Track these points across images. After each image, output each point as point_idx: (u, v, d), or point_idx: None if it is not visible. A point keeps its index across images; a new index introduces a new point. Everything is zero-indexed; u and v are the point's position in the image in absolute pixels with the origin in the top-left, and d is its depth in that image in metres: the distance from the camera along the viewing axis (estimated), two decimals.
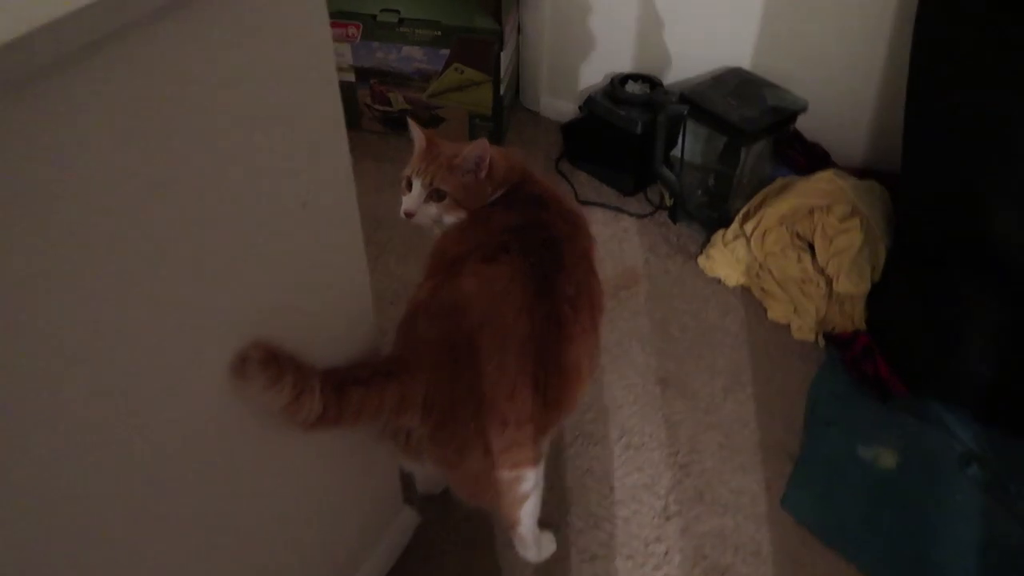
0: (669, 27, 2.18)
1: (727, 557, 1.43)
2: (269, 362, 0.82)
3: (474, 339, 1.06)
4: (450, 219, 1.32)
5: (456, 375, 1.04)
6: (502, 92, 2.28)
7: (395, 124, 2.40)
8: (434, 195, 1.29)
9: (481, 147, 1.28)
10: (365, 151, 2.37)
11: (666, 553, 1.44)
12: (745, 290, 1.94)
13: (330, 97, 0.86)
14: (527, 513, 1.28)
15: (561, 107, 2.47)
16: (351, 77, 2.31)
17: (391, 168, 2.28)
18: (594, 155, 2.27)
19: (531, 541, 1.35)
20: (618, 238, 2.10)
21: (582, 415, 1.66)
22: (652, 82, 2.18)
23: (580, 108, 2.24)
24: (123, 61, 0.60)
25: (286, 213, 0.85)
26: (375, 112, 2.38)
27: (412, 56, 2.23)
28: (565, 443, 1.61)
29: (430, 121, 2.36)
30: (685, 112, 1.95)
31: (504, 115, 2.36)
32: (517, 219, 1.26)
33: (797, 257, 1.84)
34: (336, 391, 0.92)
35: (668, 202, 2.16)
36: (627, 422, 1.65)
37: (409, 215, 1.32)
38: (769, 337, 1.84)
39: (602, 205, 2.19)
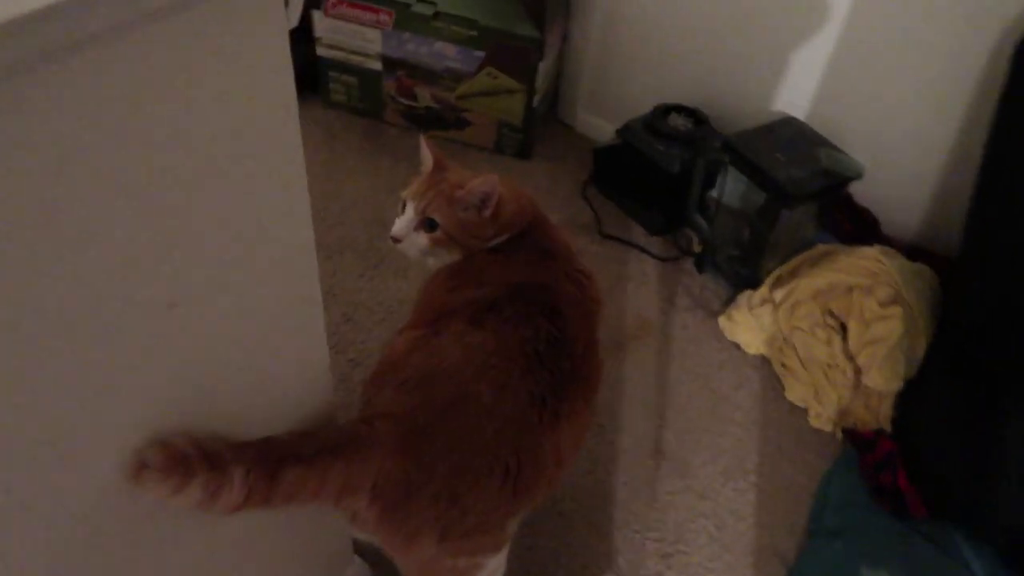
0: (725, 61, 2.00)
1: None
2: (172, 468, 0.68)
3: (443, 419, 0.92)
4: (440, 255, 1.19)
5: (416, 459, 0.90)
6: (536, 103, 2.12)
7: (419, 121, 2.24)
8: (425, 224, 1.15)
9: (490, 184, 1.13)
10: (383, 146, 2.23)
11: None
12: (764, 361, 1.78)
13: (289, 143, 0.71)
14: None
15: (598, 126, 2.30)
16: (378, 66, 2.16)
17: (407, 168, 2.14)
18: (624, 186, 2.10)
19: None
20: (636, 280, 1.94)
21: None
22: (697, 117, 2.00)
23: (617, 133, 2.07)
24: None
25: (229, 259, 0.70)
26: (399, 105, 2.23)
27: (444, 53, 2.07)
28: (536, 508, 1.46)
29: (455, 124, 2.21)
30: (726, 160, 1.78)
31: (535, 126, 2.20)
32: (518, 273, 1.12)
33: (827, 338, 1.67)
34: (269, 472, 0.78)
35: (696, 249, 1.99)
36: (613, 494, 1.51)
37: (396, 240, 1.18)
38: (783, 420, 1.68)
39: (625, 242, 2.03)
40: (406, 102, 2.22)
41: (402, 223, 1.18)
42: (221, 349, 0.75)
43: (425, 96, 2.18)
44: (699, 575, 1.41)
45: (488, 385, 0.94)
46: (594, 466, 1.54)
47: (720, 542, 1.46)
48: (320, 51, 2.19)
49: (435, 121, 2.23)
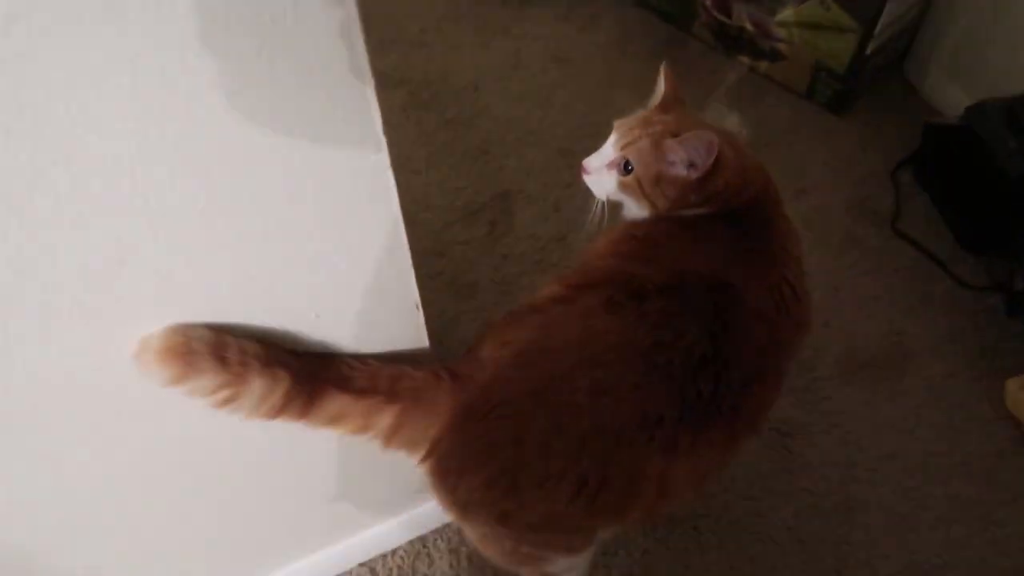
0: None
1: None
2: (171, 357, 0.64)
3: (524, 404, 0.79)
4: (630, 206, 1.00)
5: (478, 436, 0.79)
6: (869, 50, 1.71)
7: (729, 42, 1.95)
8: (621, 165, 0.97)
9: (705, 141, 0.91)
10: (679, 61, 1.98)
11: None
12: None
13: None
14: None
15: (953, 96, 1.81)
16: None
17: (692, 92, 1.89)
18: (951, 180, 1.65)
19: None
20: (915, 300, 1.54)
21: None
22: None
23: (965, 111, 1.61)
24: None
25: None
26: (710, 18, 1.95)
27: None
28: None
29: (767, 54, 1.89)
30: None
31: (863, 77, 1.79)
32: (700, 261, 0.90)
33: None
34: (308, 389, 0.73)
35: (1018, 285, 1.52)
36: (776, 535, 1.26)
37: (584, 172, 1.02)
38: None
39: (921, 248, 1.61)
40: (719, 17, 1.93)
41: (597, 155, 1.01)
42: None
43: (741, 15, 1.87)
44: None
45: (590, 384, 0.78)
46: (760, 495, 1.30)
47: None
48: None
49: (745, 46, 1.92)
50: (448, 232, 1.62)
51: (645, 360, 0.79)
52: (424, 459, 0.81)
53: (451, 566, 1.24)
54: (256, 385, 0.69)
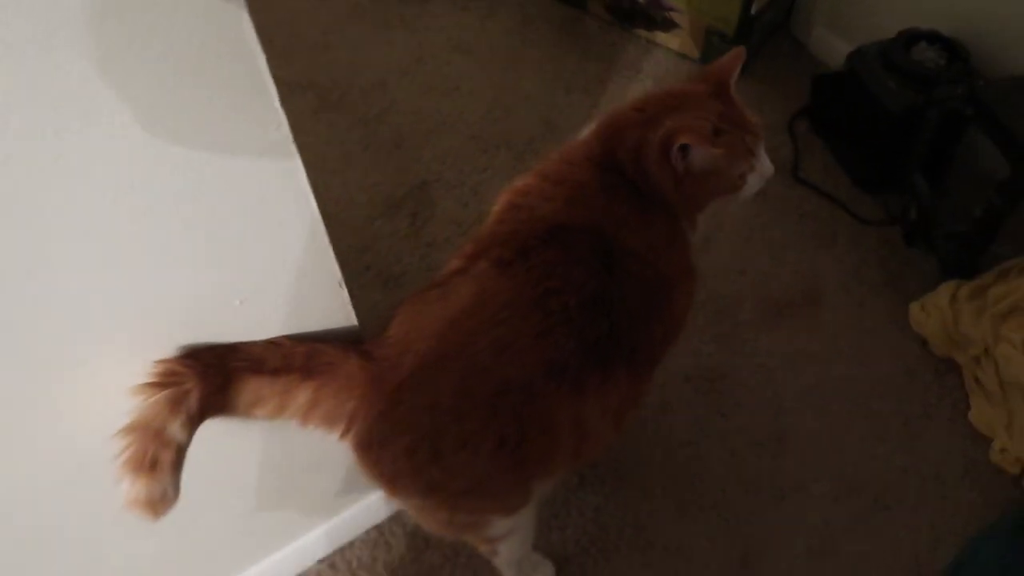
0: None
1: None
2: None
3: (433, 372, 0.82)
4: None
5: (393, 407, 0.81)
6: (754, 11, 1.80)
7: (624, 16, 2.02)
8: None
9: None
10: (577, 41, 2.04)
11: None
12: (951, 368, 1.44)
13: None
14: (503, 550, 1.06)
15: (836, 48, 1.91)
16: None
17: (594, 68, 1.96)
18: (841, 125, 1.75)
19: (512, 573, 1.14)
20: (821, 240, 1.63)
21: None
22: (953, 51, 1.58)
23: (847, 59, 1.71)
24: None
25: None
26: None
27: None
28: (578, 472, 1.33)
29: (661, 24, 1.96)
30: (968, 113, 1.39)
31: (752, 37, 1.88)
32: (580, 214, 0.92)
33: None
34: (221, 378, 0.75)
35: (912, 216, 1.63)
36: (706, 472, 1.33)
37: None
38: (955, 444, 1.36)
39: (821, 192, 1.71)
40: None
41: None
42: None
43: None
44: None
45: (491, 343, 0.81)
46: (697, 439, 1.36)
47: (813, 556, 1.24)
48: None
49: (640, 18, 1.99)
50: (371, 227, 1.64)
51: (540, 309, 0.82)
52: (343, 434, 0.82)
53: (410, 548, 1.26)
54: (190, 381, 0.71)
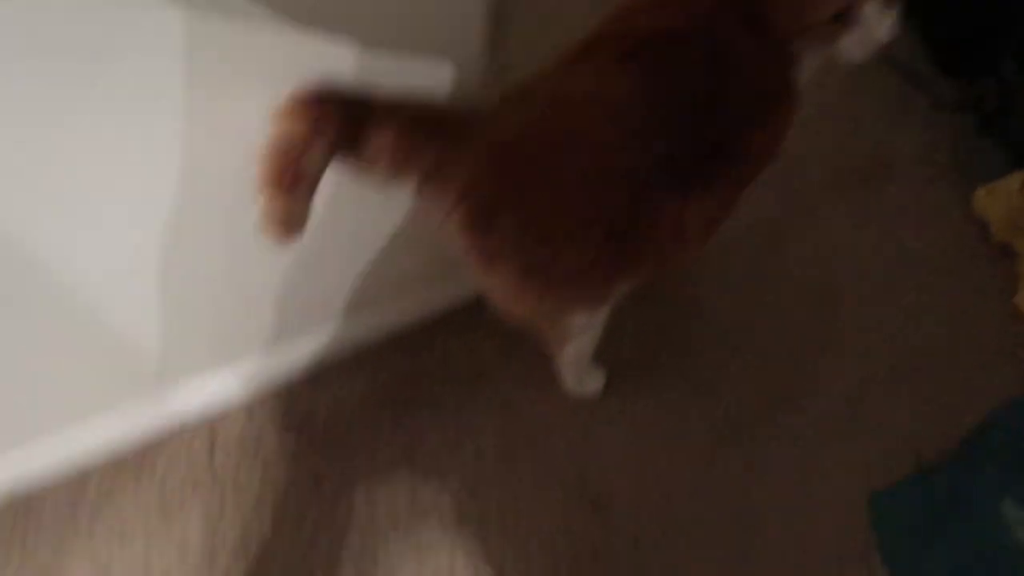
0: None
1: None
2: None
3: (552, 151, 0.82)
4: None
5: (511, 179, 0.81)
6: None
7: None
8: None
9: None
10: None
11: None
12: (1007, 254, 1.46)
13: None
14: (572, 347, 1.10)
15: None
16: None
17: None
18: (932, 6, 1.70)
19: (571, 374, 1.19)
20: (893, 117, 1.61)
21: None
22: None
23: None
24: None
25: None
26: None
27: None
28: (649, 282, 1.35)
29: None
30: None
31: None
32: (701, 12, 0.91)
33: None
34: (364, 115, 0.74)
35: (990, 105, 1.60)
36: (751, 332, 1.36)
37: None
38: (997, 323, 1.40)
39: (904, 72, 1.68)
40: None
41: None
42: None
43: None
44: (811, 448, 1.26)
45: (614, 133, 0.81)
46: (750, 284, 1.39)
47: (850, 403, 1.29)
48: None
49: None
50: None
51: (659, 105, 0.82)
52: (459, 202, 0.81)
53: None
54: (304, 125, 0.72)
